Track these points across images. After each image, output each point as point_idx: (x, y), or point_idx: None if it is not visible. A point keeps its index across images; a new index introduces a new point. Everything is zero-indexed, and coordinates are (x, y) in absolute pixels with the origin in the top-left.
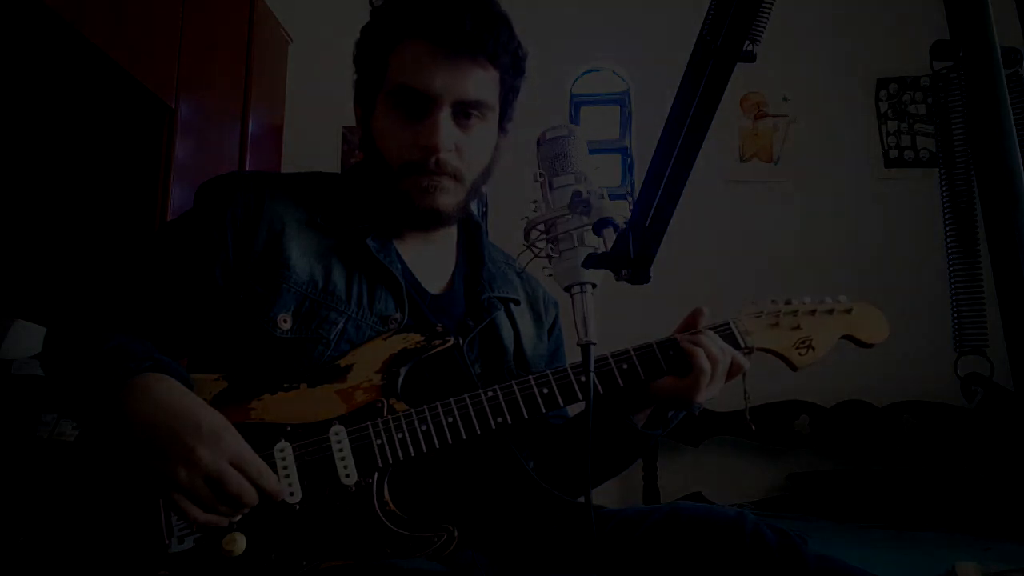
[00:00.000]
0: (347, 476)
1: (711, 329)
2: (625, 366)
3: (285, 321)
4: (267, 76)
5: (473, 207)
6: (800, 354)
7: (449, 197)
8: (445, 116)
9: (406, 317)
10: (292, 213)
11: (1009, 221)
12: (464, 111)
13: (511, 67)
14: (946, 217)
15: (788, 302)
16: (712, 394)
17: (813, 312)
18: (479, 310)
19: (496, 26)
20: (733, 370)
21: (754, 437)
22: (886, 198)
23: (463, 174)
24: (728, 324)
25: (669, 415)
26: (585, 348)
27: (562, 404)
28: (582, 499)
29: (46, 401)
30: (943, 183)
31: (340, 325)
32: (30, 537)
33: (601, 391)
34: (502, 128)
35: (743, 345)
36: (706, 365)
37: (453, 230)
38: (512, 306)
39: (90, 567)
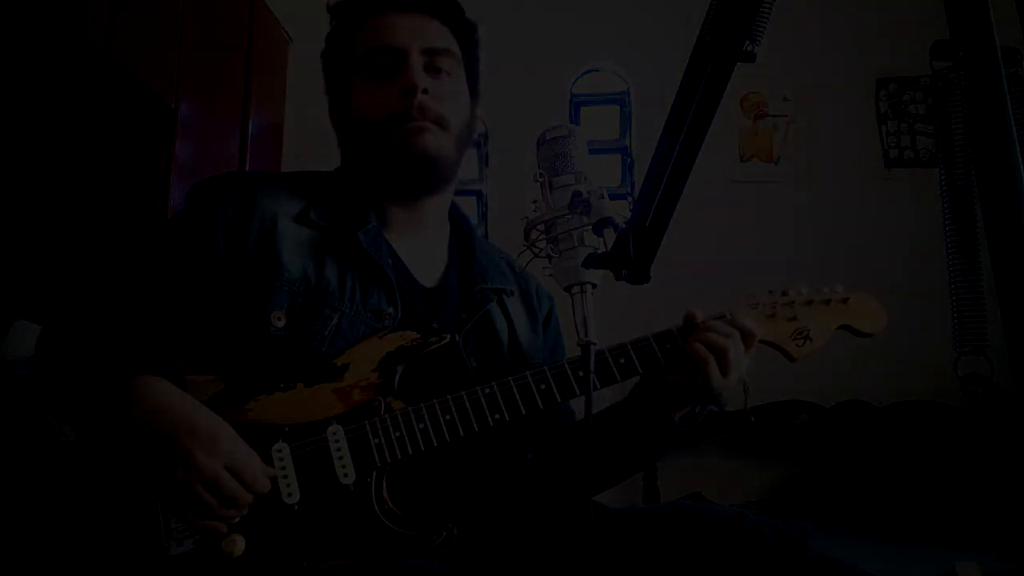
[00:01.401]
0: (345, 476)
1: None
2: (622, 360)
3: (279, 319)
4: (267, 76)
5: (472, 212)
6: (797, 345)
7: (438, 140)
8: (416, 62)
9: (399, 312)
10: (284, 209)
11: (1009, 221)
12: (432, 63)
13: (464, 30)
14: (946, 217)
15: (784, 293)
16: (736, 377)
17: (810, 303)
18: (473, 302)
19: None
20: (747, 341)
21: (754, 437)
22: (886, 198)
23: (447, 120)
24: (724, 316)
25: (696, 410)
26: (585, 348)
27: (559, 400)
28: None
29: (46, 401)
30: (943, 183)
31: (334, 321)
32: (30, 538)
33: (599, 387)
34: (473, 93)
35: None
36: (707, 355)
37: (446, 228)
38: (505, 298)
39: (90, 568)
